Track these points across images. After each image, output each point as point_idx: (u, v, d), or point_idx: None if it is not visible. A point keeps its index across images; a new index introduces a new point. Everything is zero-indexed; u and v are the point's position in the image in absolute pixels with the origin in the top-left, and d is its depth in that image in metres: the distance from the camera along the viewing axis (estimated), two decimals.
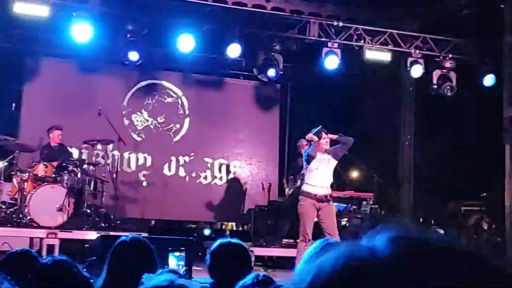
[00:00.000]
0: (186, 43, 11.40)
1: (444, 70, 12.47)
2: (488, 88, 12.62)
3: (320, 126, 9.04)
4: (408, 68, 12.34)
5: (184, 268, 5.18)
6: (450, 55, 12.46)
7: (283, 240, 11.70)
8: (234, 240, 3.88)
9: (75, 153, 12.46)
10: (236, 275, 3.66)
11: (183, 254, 4.78)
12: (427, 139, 14.27)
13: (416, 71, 12.33)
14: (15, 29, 12.66)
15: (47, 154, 11.09)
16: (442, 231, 13.80)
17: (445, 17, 12.69)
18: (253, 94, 15.16)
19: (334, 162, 8.97)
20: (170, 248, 4.70)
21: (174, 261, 4.67)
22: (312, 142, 8.98)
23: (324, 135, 8.87)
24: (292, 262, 9.28)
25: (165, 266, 3.73)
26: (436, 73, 12.52)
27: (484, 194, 13.58)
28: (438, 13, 12.74)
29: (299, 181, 11.65)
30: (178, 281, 1.92)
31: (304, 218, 8.80)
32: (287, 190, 12.12)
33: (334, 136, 8.96)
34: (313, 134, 8.92)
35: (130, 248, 3.74)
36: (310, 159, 8.85)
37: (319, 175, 8.87)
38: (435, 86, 12.48)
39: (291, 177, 12.36)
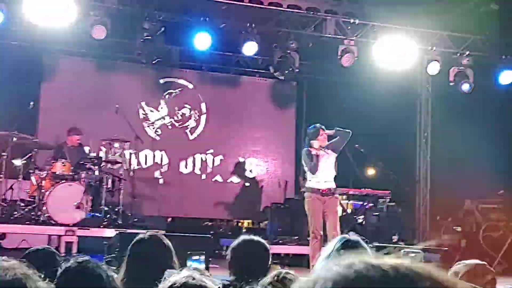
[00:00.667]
0: (202, 41, 11.43)
1: (461, 67, 12.40)
2: (505, 85, 12.54)
3: (316, 124, 9.17)
4: (425, 65, 12.28)
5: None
6: (467, 52, 12.39)
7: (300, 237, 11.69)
8: (255, 237, 3.90)
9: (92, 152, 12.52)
10: (255, 273, 3.68)
11: (202, 258, 4.81)
12: (444, 137, 14.20)
13: (433, 68, 12.27)
14: (33, 28, 12.74)
15: (62, 153, 11.15)
16: (459, 229, 13.75)
17: (462, 14, 12.61)
18: (269, 92, 15.17)
19: (333, 156, 9.11)
20: (189, 252, 4.72)
21: (192, 264, 4.70)
22: (309, 141, 9.10)
23: (321, 132, 9.00)
24: (309, 260, 9.28)
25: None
26: (453, 70, 12.45)
27: (501, 191, 13.48)
28: (455, 10, 12.66)
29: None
30: (199, 277, 1.95)
31: (312, 214, 8.90)
32: (302, 188, 12.13)
33: (332, 132, 9.11)
34: (311, 132, 9.10)
35: (148, 245, 3.76)
36: (309, 157, 8.96)
37: (321, 171, 8.97)
38: (452, 83, 12.42)
39: (302, 175, 12.39)
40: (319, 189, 8.93)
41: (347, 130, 9.16)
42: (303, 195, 11.68)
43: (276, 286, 2.97)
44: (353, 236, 3.20)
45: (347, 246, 3.09)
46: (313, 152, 8.96)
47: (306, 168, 9.17)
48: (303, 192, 11.89)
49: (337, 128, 9.18)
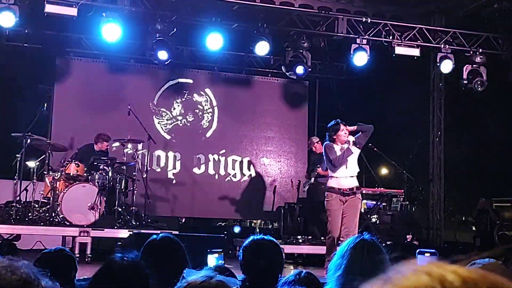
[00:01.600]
0: (214, 41, 11.43)
1: (474, 65, 12.33)
2: None
3: (337, 120, 8.89)
4: (438, 64, 12.22)
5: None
6: (480, 50, 12.32)
7: (313, 237, 11.67)
8: (266, 237, 3.89)
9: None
10: (268, 272, 3.68)
11: (221, 254, 4.81)
12: (457, 135, 14.16)
13: (446, 66, 12.20)
14: (46, 30, 12.82)
15: (86, 155, 11.18)
16: (473, 227, 13.69)
17: (475, 12, 12.56)
18: (281, 92, 15.17)
19: (357, 151, 8.80)
20: (208, 250, 4.73)
21: (213, 260, 4.70)
22: (330, 136, 8.82)
23: (342, 126, 8.72)
24: (322, 260, 9.27)
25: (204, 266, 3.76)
26: (466, 68, 12.38)
27: None
28: (468, 7, 12.61)
29: (312, 178, 11.66)
30: (217, 277, 1.95)
31: (332, 214, 8.68)
32: (304, 188, 12.11)
33: (354, 128, 8.83)
34: (331, 127, 8.81)
35: (160, 246, 3.77)
36: (331, 151, 8.68)
37: (344, 166, 8.68)
38: (465, 82, 12.35)
39: (306, 174, 12.38)
40: (340, 189, 8.66)
41: (369, 125, 8.89)
42: (314, 194, 11.72)
43: (300, 284, 2.97)
44: (367, 235, 3.19)
45: (362, 245, 3.08)
46: (336, 146, 8.71)
47: (327, 166, 8.94)
48: (306, 190, 11.91)
49: (359, 123, 8.91)
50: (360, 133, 8.80)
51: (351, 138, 8.72)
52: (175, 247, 3.80)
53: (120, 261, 2.69)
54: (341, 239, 8.25)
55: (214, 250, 4.73)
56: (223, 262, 4.70)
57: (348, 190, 8.67)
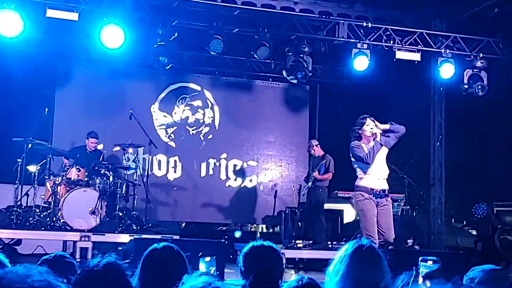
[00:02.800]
0: (215, 46, 11.44)
1: (475, 70, 12.34)
2: None
3: (365, 115, 8.32)
4: (439, 68, 12.23)
5: (215, 272, 5.21)
6: (481, 55, 12.33)
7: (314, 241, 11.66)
8: (266, 243, 3.89)
9: (106, 156, 12.58)
10: (267, 278, 3.68)
11: (213, 258, 4.82)
12: (458, 139, 14.14)
13: (447, 71, 12.20)
14: (48, 35, 12.84)
15: (79, 157, 11.24)
16: (474, 232, 13.67)
17: (476, 16, 12.56)
18: (282, 96, 15.19)
19: (385, 151, 8.21)
20: (200, 254, 4.73)
21: (204, 266, 4.70)
22: (354, 133, 8.20)
23: (368, 121, 8.16)
24: (325, 264, 9.23)
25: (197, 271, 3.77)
26: (467, 73, 12.39)
27: None
28: (469, 12, 12.61)
29: (310, 183, 11.65)
30: (215, 284, 1.95)
31: (366, 214, 8.00)
32: (303, 192, 12.09)
33: (386, 126, 8.22)
34: (357, 122, 8.21)
35: (161, 256, 3.77)
36: (358, 150, 8.08)
37: (373, 166, 8.09)
38: (466, 86, 12.35)
39: (305, 178, 12.39)
40: (372, 189, 8.02)
41: (402, 126, 8.31)
42: (318, 198, 11.70)
43: None
44: (366, 241, 3.19)
45: (360, 251, 3.08)
46: (363, 144, 8.09)
47: (355, 165, 8.22)
48: (304, 194, 11.87)
49: (392, 122, 8.34)
50: (392, 133, 8.27)
51: (378, 130, 8.15)
52: (176, 256, 3.80)
53: (96, 266, 2.71)
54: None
55: (206, 254, 4.73)
56: (215, 268, 4.70)
57: (380, 191, 8.09)
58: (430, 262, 4.94)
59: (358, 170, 8.20)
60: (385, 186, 8.18)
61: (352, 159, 8.25)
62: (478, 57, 12.30)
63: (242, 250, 3.86)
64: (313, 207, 11.72)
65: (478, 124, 14.24)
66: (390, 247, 7.96)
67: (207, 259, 4.68)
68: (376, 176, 8.11)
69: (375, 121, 8.22)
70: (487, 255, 11.53)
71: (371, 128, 8.14)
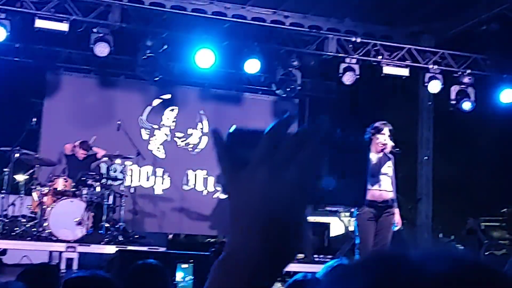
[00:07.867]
0: (205, 58, 11.46)
1: (462, 86, 12.44)
2: (507, 104, 12.57)
3: (385, 122, 7.96)
4: (426, 84, 12.30)
5: (191, 281, 5.20)
6: (469, 71, 12.42)
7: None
8: None
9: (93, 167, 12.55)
10: None
11: (191, 266, 4.82)
12: (446, 155, 14.21)
13: (434, 86, 12.29)
14: (36, 45, 12.83)
15: (70, 165, 11.25)
16: (461, 247, 13.71)
17: (464, 33, 12.67)
18: (271, 109, 15.20)
19: (391, 164, 7.99)
20: (177, 261, 4.75)
21: (181, 274, 4.71)
22: (367, 134, 7.80)
23: (386, 130, 7.76)
24: None
25: (172, 278, 3.80)
26: (454, 89, 12.48)
27: (505, 210, 13.47)
28: (457, 29, 12.72)
29: None
30: None
31: (361, 233, 7.82)
32: None
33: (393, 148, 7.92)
34: (374, 125, 7.85)
35: (143, 273, 3.78)
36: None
37: (380, 178, 7.83)
38: (454, 102, 12.44)
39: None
40: (375, 201, 7.69)
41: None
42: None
43: None
44: (345, 260, 3.17)
45: (339, 270, 3.07)
46: (372, 154, 7.68)
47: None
48: None
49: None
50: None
51: (390, 143, 7.84)
52: (159, 273, 3.82)
53: (75, 279, 2.72)
54: None
55: (183, 261, 4.73)
56: (191, 276, 4.69)
57: (382, 202, 7.78)
58: None
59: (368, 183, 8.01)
60: (391, 197, 7.92)
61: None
62: (465, 74, 12.40)
63: None
64: None
65: (466, 140, 14.32)
66: None
67: (185, 265, 4.68)
68: (382, 186, 7.86)
69: (391, 133, 7.90)
70: None
71: (385, 139, 7.84)
